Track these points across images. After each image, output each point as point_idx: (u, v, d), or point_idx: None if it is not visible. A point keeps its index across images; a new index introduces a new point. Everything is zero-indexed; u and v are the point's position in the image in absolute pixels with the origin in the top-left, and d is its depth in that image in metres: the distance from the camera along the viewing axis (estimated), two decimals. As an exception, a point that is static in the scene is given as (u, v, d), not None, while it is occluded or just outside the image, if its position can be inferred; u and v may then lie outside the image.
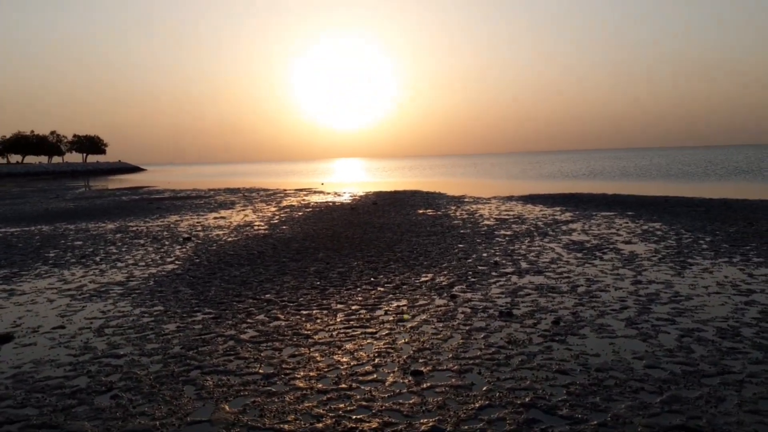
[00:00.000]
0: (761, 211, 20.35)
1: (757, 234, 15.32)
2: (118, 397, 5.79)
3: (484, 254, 13.50)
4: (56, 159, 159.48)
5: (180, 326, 8.28)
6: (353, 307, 9.03)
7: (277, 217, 23.89)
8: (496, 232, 17.17)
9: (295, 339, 7.56)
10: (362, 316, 8.56)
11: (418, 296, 9.65)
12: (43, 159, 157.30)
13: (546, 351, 6.87)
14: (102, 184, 72.38)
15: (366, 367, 6.47)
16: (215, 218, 24.12)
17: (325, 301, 9.43)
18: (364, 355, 6.89)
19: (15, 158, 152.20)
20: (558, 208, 23.87)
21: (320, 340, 7.47)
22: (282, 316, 8.63)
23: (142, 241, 17.50)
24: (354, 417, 5.24)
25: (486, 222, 19.87)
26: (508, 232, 17.10)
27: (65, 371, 6.58)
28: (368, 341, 7.39)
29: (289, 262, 13.06)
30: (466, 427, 5.01)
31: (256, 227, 20.36)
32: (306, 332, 7.83)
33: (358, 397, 5.69)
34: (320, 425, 5.09)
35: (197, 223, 22.53)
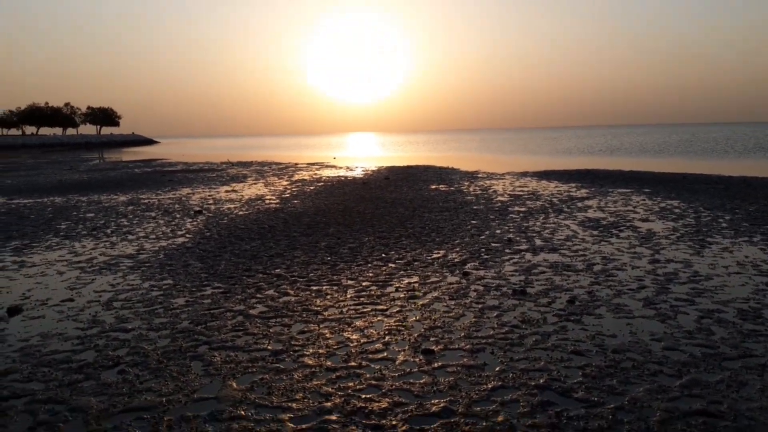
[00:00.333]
0: (782, 190, 19.88)
1: (778, 213, 14.94)
2: (124, 372, 5.71)
3: (498, 231, 13.29)
4: (70, 131, 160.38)
5: (189, 300, 8.20)
6: (364, 284, 8.89)
7: (288, 191, 23.76)
8: (509, 209, 16.93)
9: (304, 315, 7.45)
10: (373, 292, 8.42)
11: (429, 273, 9.49)
12: (58, 131, 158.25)
13: (561, 331, 6.70)
14: (116, 156, 72.66)
15: (376, 345, 6.34)
16: (227, 191, 24.05)
17: (335, 277, 9.31)
18: (374, 332, 6.76)
19: (30, 130, 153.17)
20: (573, 185, 23.50)
21: (330, 317, 7.35)
22: (292, 292, 8.52)
23: (153, 214, 17.47)
24: (363, 396, 5.12)
25: (500, 198, 19.60)
26: (522, 209, 16.84)
27: (72, 345, 6.52)
28: (379, 318, 7.26)
29: (300, 237, 12.94)
30: (478, 408, 4.87)
31: (267, 201, 20.25)
32: (316, 308, 7.71)
33: (367, 375, 5.57)
34: (329, 404, 4.98)
35: (209, 196, 22.47)
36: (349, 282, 9.00)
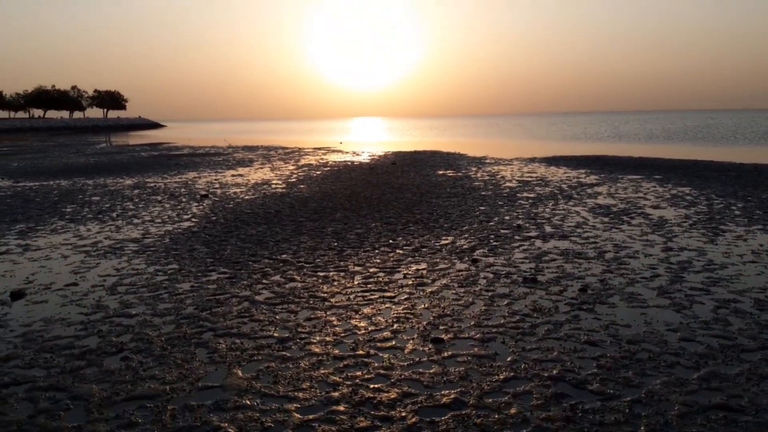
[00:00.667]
0: (796, 177, 19.56)
1: (792, 201, 14.68)
2: (128, 359, 5.60)
3: (507, 217, 13.10)
4: (77, 114, 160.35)
5: (194, 286, 8.07)
6: (371, 270, 8.74)
7: (295, 175, 23.59)
8: (518, 195, 16.71)
9: (311, 302, 7.31)
10: (380, 279, 8.28)
11: (438, 260, 9.33)
12: (65, 114, 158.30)
13: (573, 320, 6.54)
14: (122, 139, 72.58)
15: (384, 333, 6.20)
16: (233, 176, 23.90)
17: (342, 263, 9.16)
18: (382, 320, 6.62)
19: (37, 113, 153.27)
20: (582, 171, 23.23)
21: (337, 304, 7.21)
22: (298, 278, 8.38)
23: (159, 198, 17.35)
24: (371, 386, 4.99)
25: (508, 184, 19.38)
26: (531, 195, 16.62)
27: (75, 330, 6.41)
28: (387, 306, 7.12)
29: (306, 222, 12.80)
30: (489, 400, 4.73)
31: (273, 186, 20.10)
32: (323, 295, 7.57)
33: (376, 364, 5.43)
34: (336, 394, 4.85)
35: (215, 180, 22.33)
36: (357, 268, 8.86)
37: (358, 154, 36.18)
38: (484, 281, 8.10)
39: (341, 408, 4.61)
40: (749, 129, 63.16)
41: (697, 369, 5.27)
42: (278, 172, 25.00)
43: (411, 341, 5.98)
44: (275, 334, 6.21)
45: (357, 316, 6.76)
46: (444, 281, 8.12)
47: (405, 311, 6.90)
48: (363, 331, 6.27)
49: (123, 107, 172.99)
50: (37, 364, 5.53)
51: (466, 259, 9.37)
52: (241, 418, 4.46)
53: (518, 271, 8.61)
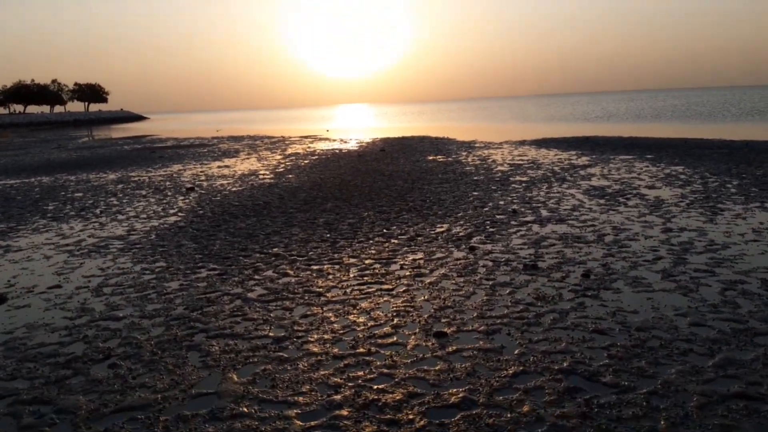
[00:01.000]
0: (787, 152, 19.49)
1: (787, 176, 14.57)
2: (116, 366, 5.30)
3: (501, 202, 12.87)
4: (58, 108, 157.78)
5: (183, 284, 7.77)
6: (366, 261, 8.48)
7: (282, 165, 23.20)
8: (511, 178, 16.48)
9: (306, 297, 7.04)
10: (377, 270, 8.01)
11: (434, 248, 9.08)
12: (45, 108, 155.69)
13: (579, 308, 6.33)
14: (105, 133, 71.41)
15: (384, 329, 5.95)
16: (219, 167, 23.47)
17: (336, 255, 8.89)
18: (381, 314, 6.37)
19: (17, 108, 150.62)
20: (573, 152, 23.04)
21: (333, 298, 6.95)
22: (291, 272, 8.10)
23: (143, 192, 16.93)
24: (375, 387, 4.74)
25: (500, 168, 19.14)
26: (524, 178, 16.40)
27: (60, 336, 6.10)
28: (385, 299, 6.86)
29: (297, 213, 12.49)
30: (500, 398, 4.50)
31: (261, 176, 19.72)
32: (318, 289, 7.30)
33: (378, 363, 5.18)
34: (338, 397, 4.60)
35: (201, 172, 21.90)
36: (351, 260, 8.59)
37: (345, 142, 35.77)
38: (484, 270, 7.86)
39: (344, 413, 4.36)
40: (737, 106, 63.33)
41: (712, 356, 5.08)
42: (265, 162, 24.59)
43: (413, 336, 5.74)
44: (270, 334, 5.94)
45: (355, 311, 6.50)
46: (442, 271, 7.87)
47: (404, 304, 6.65)
48: (362, 327, 6.02)
49: (104, 100, 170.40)
50: (21, 375, 5.22)
51: (464, 246, 9.13)
52: (238, 428, 4.20)
53: (518, 257, 8.39)
